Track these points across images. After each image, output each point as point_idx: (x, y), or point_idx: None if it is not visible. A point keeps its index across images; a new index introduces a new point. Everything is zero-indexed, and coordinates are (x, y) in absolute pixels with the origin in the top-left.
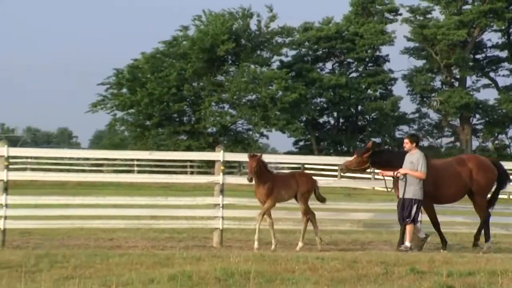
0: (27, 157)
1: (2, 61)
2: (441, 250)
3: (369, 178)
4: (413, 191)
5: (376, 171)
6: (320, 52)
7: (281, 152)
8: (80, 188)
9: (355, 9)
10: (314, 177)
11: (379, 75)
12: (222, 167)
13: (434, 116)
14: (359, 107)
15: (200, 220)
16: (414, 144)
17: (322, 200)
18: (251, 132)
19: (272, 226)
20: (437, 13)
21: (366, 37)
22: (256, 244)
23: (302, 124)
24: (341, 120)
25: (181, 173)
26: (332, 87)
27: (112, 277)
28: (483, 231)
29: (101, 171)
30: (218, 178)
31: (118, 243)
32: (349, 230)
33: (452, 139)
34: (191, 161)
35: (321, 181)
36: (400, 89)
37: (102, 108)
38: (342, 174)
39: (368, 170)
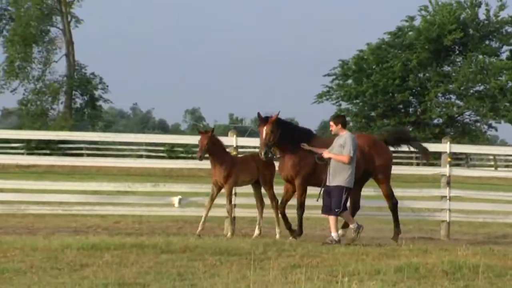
0: (254, 147)
1: (235, 54)
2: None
3: None
4: (346, 178)
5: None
6: None
7: (510, 145)
8: None
9: None
10: None
11: None
12: (448, 159)
13: None
14: None
15: (426, 212)
16: (340, 126)
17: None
18: (478, 124)
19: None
20: None
21: None
22: (199, 230)
23: None
24: None
25: (406, 164)
26: None
27: (338, 267)
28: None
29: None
30: (445, 170)
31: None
32: None
33: None
34: (416, 152)
35: None
36: None
37: (328, 99)
38: (265, 157)
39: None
